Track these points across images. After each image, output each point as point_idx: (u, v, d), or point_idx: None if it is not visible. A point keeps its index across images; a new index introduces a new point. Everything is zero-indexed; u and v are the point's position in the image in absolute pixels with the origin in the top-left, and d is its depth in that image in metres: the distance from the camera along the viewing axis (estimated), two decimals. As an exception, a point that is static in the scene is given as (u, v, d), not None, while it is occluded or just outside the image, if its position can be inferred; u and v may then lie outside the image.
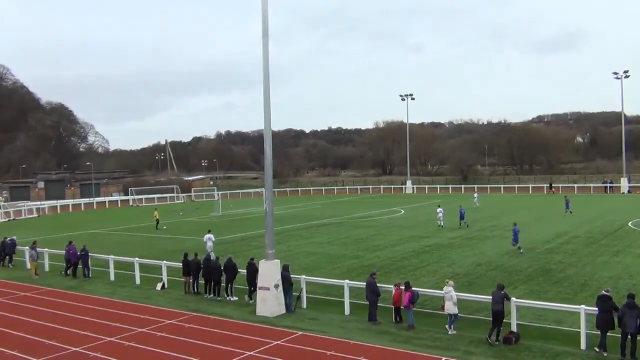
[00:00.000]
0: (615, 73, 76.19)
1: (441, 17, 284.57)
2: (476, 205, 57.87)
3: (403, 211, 55.57)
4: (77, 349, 17.03)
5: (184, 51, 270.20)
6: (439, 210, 43.78)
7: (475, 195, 63.59)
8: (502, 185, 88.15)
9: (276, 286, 20.27)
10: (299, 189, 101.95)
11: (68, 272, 28.75)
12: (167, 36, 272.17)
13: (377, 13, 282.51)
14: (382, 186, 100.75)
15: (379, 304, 19.04)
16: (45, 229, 51.78)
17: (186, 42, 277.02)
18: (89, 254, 28.33)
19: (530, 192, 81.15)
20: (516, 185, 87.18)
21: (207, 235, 32.11)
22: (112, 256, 28.36)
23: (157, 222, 48.99)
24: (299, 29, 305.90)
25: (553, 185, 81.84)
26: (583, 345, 15.69)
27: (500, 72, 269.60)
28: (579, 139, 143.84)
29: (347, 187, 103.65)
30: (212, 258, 29.24)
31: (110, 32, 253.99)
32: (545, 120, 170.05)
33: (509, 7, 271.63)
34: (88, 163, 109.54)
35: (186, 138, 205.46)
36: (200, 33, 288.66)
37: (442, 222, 42.56)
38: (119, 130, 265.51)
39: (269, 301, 20.15)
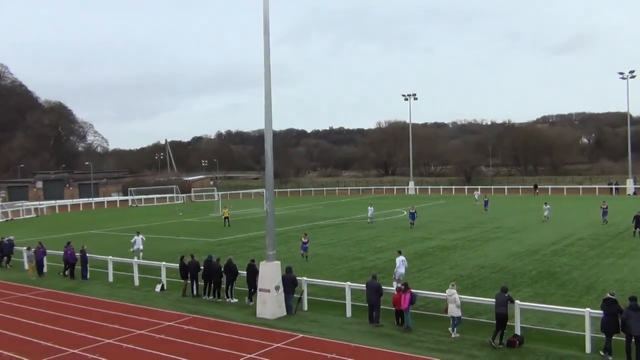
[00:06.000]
0: (621, 73, 76.09)
1: (452, 20, 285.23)
2: (477, 203, 59.58)
3: (405, 212, 55.49)
4: (74, 351, 17.03)
5: (188, 52, 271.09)
6: (369, 208, 49.62)
7: (476, 193, 66.26)
8: (505, 187, 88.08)
9: (277, 288, 20.26)
10: (300, 189, 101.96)
11: (66, 273, 28.78)
12: (170, 37, 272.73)
13: (390, 16, 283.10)
14: (384, 187, 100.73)
15: (380, 306, 19.01)
16: (43, 229, 51.81)
17: (191, 42, 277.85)
18: (87, 254, 28.35)
19: (537, 193, 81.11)
20: (520, 187, 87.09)
21: (137, 237, 32.47)
22: (110, 257, 28.38)
23: (226, 220, 49.22)
24: (312, 31, 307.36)
25: (538, 187, 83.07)
26: (588, 349, 15.66)
27: (505, 73, 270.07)
28: (584, 140, 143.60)
29: (348, 187, 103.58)
30: (140, 258, 30.10)
31: (113, 31, 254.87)
32: (550, 120, 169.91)
33: (519, 11, 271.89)
34: (87, 163, 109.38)
35: (186, 138, 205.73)
36: (205, 34, 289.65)
37: (371, 220, 48.20)
38: (118, 130, 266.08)
39: (269, 303, 20.13)
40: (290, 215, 57.10)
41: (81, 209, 78.93)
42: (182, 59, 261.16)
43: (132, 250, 31.93)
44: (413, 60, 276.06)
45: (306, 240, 31.47)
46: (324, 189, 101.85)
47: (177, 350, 16.90)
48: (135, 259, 28.30)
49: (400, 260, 23.28)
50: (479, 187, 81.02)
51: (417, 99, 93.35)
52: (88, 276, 28.11)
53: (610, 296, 15.72)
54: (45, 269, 30.13)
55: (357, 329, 18.39)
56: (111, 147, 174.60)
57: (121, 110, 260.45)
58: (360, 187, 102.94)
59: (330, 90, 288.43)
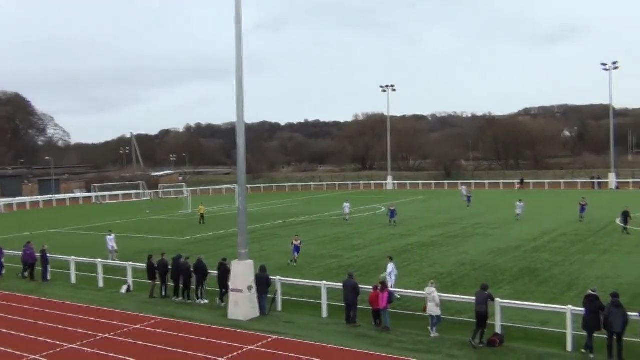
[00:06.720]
0: (604, 64, 77.54)
1: (432, 10, 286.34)
2: (463, 198, 59.13)
3: (383, 208, 55.84)
4: (34, 357, 16.82)
5: (155, 42, 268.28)
6: (345, 205, 48.91)
7: (464, 188, 65.62)
8: (486, 181, 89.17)
9: (249, 288, 20.25)
10: (274, 185, 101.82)
11: (26, 274, 28.36)
12: (137, 27, 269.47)
13: (368, 5, 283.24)
14: (361, 182, 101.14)
15: (358, 306, 19.13)
16: (0, 228, 50.90)
17: (159, 32, 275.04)
18: (48, 254, 27.97)
19: (516, 188, 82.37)
20: (501, 181, 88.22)
21: (108, 237, 32.26)
22: (73, 257, 28.02)
23: (202, 217, 48.87)
24: (286, 19, 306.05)
25: (524, 181, 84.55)
26: (569, 347, 16.00)
27: (486, 64, 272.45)
28: (567, 133, 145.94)
29: (324, 183, 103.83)
30: (112, 259, 29.71)
31: (76, 21, 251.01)
32: (532, 113, 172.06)
33: (500, 1, 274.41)
34: (47, 157, 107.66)
35: (153, 131, 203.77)
36: (174, 23, 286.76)
37: (347, 217, 47.64)
38: (81, 123, 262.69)
39: (242, 304, 20.11)
40: (263, 212, 57.01)
41: (41, 206, 77.77)
42: (148, 50, 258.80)
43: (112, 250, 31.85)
44: (391, 51, 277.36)
45: (299, 242, 29.41)
46: (299, 184, 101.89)
47: (145, 354, 16.81)
48: (100, 260, 27.96)
49: (391, 267, 21.94)
50: (466, 182, 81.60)
51: (395, 90, 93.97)
52: (49, 277, 27.75)
53: (592, 293, 16.06)
54: (3, 271, 29.61)
55: (333, 330, 18.49)
56: (73, 141, 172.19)
57: (84, 103, 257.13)
58: (337, 183, 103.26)
59: (305, 81, 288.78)
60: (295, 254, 29.30)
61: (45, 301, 23.75)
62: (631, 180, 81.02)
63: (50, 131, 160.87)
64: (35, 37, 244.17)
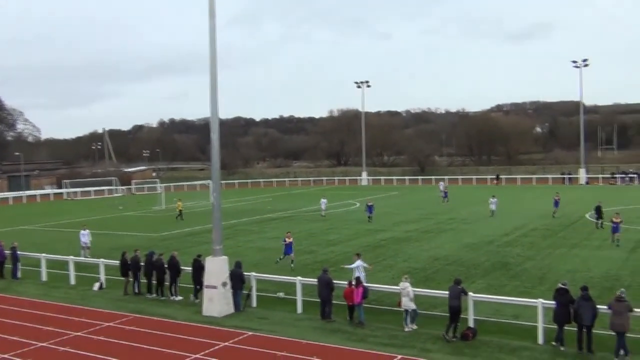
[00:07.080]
0: (575, 62, 78.74)
1: (406, 6, 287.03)
2: (440, 194, 59.17)
3: (358, 204, 56.06)
4: (5, 356, 16.56)
5: (126, 37, 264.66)
6: (322, 200, 48.55)
7: (441, 183, 66.09)
8: (460, 177, 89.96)
9: (224, 284, 20.19)
10: (249, 181, 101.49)
11: (-5, 272, 27.88)
12: (110, 19, 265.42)
13: (343, 0, 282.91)
14: (336, 178, 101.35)
15: (332, 301, 19.19)
16: (-32, 225, 49.88)
17: (132, 26, 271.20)
18: (18, 252, 27.52)
19: (488, 183, 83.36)
20: (474, 177, 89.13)
21: (82, 232, 31.96)
22: (44, 254, 27.63)
23: (180, 213, 48.31)
24: (261, 14, 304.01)
25: (500, 177, 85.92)
26: (540, 340, 16.27)
27: (459, 60, 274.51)
28: (538, 129, 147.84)
29: (299, 178, 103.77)
30: (84, 255, 29.44)
31: (45, 11, 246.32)
32: (504, 109, 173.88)
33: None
34: (17, 153, 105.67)
35: (126, 126, 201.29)
36: (148, 17, 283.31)
37: (323, 213, 47.38)
38: (51, 118, 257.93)
39: (217, 300, 20.05)
40: (238, 208, 56.81)
41: (11, 203, 76.46)
42: (120, 44, 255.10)
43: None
44: (366, 47, 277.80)
45: (292, 239, 27.70)
46: (274, 180, 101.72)
47: (118, 352, 16.65)
48: (72, 257, 27.59)
49: (358, 262, 21.58)
50: (441, 177, 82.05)
51: (370, 86, 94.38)
52: (19, 275, 27.32)
53: (562, 286, 16.33)
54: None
55: (308, 325, 18.52)
56: (44, 137, 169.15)
57: (55, 97, 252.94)
58: (312, 178, 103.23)
59: (281, 76, 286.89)
60: (291, 253, 27.46)
61: (16, 299, 23.38)
62: (600, 176, 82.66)
63: (19, 126, 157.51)
64: (4, 31, 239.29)
